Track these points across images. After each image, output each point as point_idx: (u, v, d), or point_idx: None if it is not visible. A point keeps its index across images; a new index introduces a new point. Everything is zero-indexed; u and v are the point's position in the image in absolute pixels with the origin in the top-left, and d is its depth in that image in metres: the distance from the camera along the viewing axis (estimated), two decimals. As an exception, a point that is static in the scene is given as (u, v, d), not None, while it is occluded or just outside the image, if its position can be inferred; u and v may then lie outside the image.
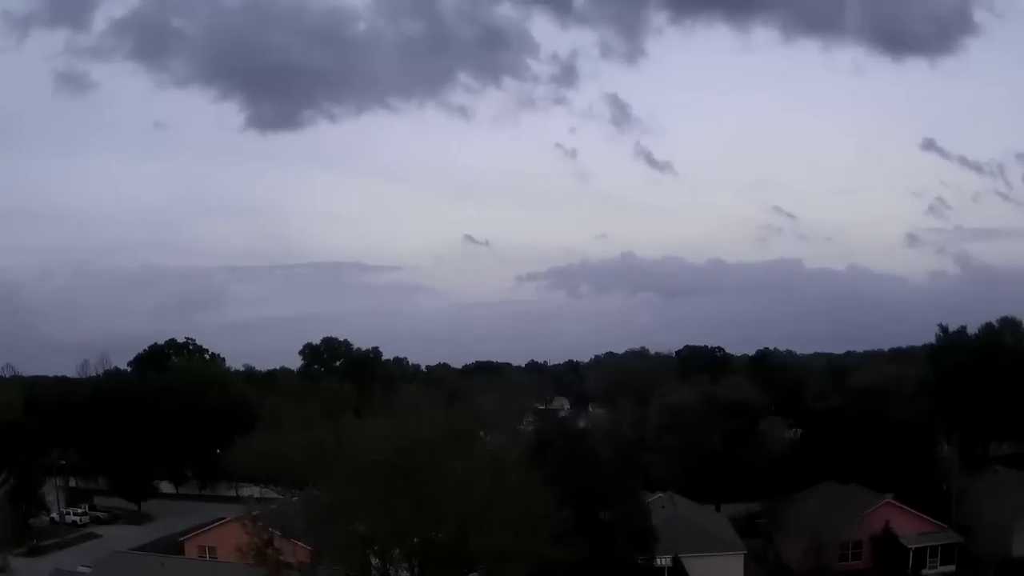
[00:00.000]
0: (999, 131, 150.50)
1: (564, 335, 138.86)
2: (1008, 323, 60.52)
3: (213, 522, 33.98)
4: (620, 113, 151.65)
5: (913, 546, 34.70)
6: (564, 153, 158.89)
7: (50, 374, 70.25)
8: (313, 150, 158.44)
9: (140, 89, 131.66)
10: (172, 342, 65.94)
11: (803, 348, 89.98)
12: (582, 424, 48.85)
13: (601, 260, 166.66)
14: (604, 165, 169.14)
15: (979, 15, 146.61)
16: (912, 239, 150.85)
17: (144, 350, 64.03)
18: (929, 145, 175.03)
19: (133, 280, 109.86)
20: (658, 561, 31.45)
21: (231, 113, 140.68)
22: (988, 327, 59.00)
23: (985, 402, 51.25)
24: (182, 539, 35.10)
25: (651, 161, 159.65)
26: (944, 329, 58.46)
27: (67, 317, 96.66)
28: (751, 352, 78.82)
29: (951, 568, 34.85)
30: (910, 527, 35.47)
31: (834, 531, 34.49)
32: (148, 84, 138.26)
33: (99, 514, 46.59)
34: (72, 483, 51.80)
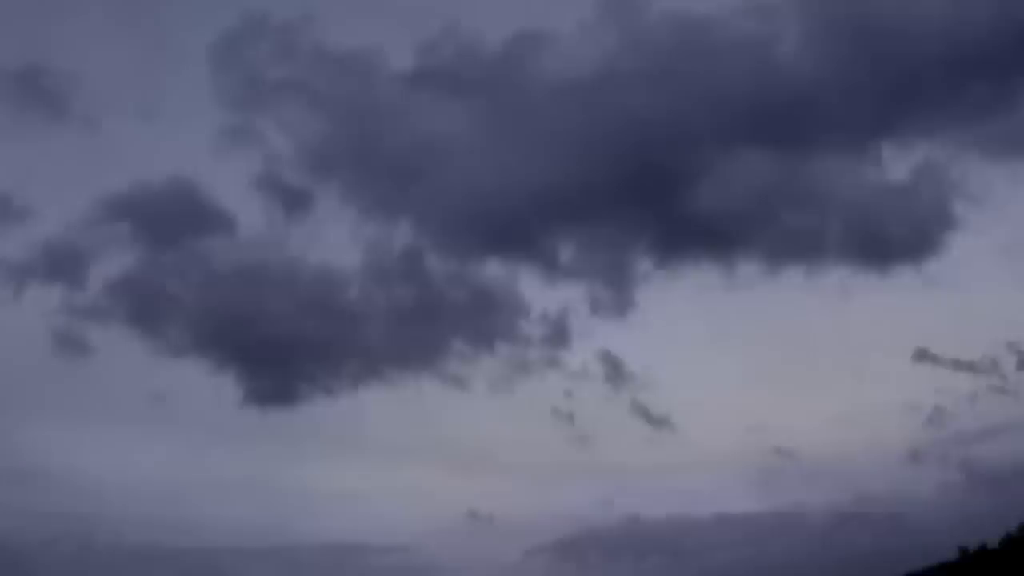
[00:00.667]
0: (988, 324, 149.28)
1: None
2: None
3: None
4: (614, 370, 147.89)
5: None
6: (562, 418, 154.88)
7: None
8: (312, 425, 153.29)
9: (137, 356, 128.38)
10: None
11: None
12: None
13: (607, 527, 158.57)
14: (602, 426, 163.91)
15: (958, 207, 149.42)
16: (914, 454, 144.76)
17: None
18: (922, 355, 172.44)
19: (140, 558, 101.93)
20: None
21: (228, 386, 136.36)
22: (1007, 539, 54.68)
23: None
24: None
25: (649, 417, 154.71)
26: (964, 550, 54.06)
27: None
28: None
29: None
30: None
31: None
32: (145, 351, 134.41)
33: None
34: None
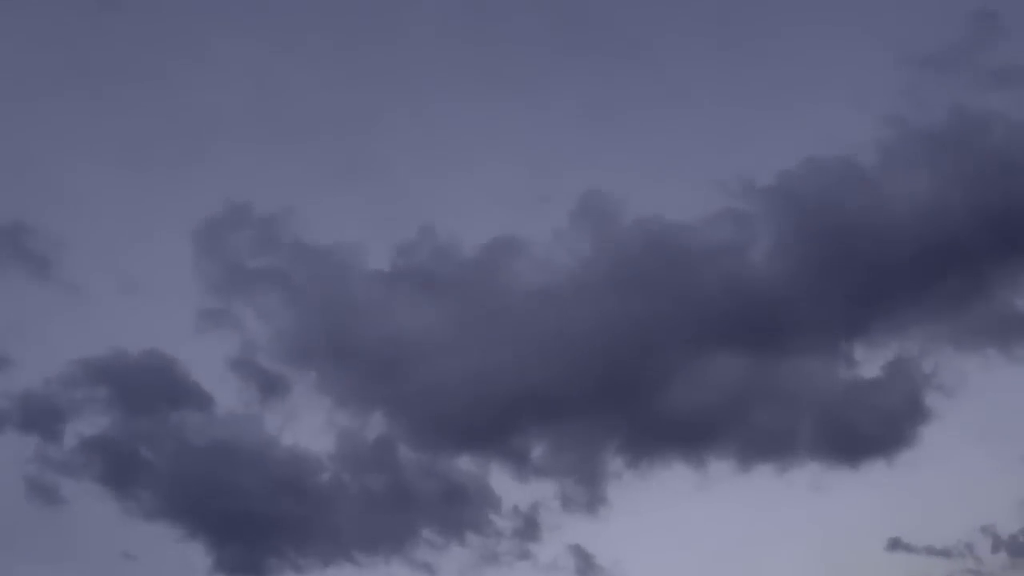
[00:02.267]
0: (962, 509, 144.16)
1: None
2: None
3: None
4: (584, 564, 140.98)
5: None
6: None
7: None
8: None
9: (109, 515, 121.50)
10: None
11: None
12: None
13: None
14: None
15: (930, 399, 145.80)
16: None
17: None
18: (895, 544, 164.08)
19: None
20: None
21: (199, 553, 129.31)
22: None
23: None
24: None
25: None
26: None
27: None
28: None
29: None
30: None
31: None
32: (116, 511, 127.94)
33: None
34: None
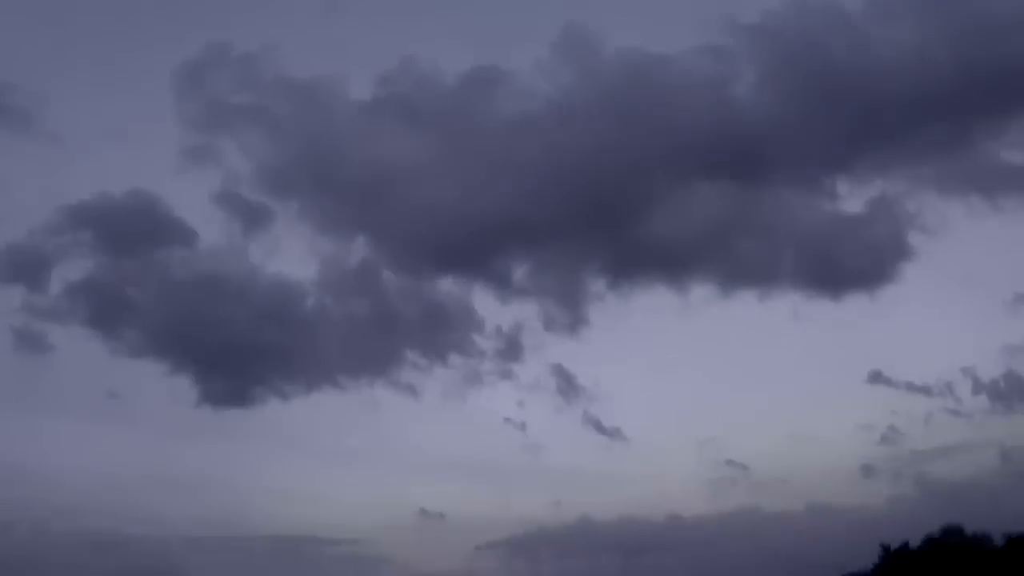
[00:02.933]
0: (944, 349, 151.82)
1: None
2: (951, 531, 58.42)
3: None
4: (566, 383, 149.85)
5: None
6: (514, 427, 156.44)
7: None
8: (266, 426, 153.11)
9: (95, 356, 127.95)
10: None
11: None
12: None
13: (558, 526, 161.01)
14: (554, 435, 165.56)
15: (913, 238, 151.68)
16: (867, 469, 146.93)
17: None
18: (876, 377, 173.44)
19: (95, 544, 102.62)
20: None
21: (184, 388, 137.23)
22: (929, 539, 56.84)
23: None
24: None
25: (600, 428, 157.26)
26: (886, 548, 56.16)
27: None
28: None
29: None
30: None
31: None
32: (103, 352, 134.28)
33: None
34: None
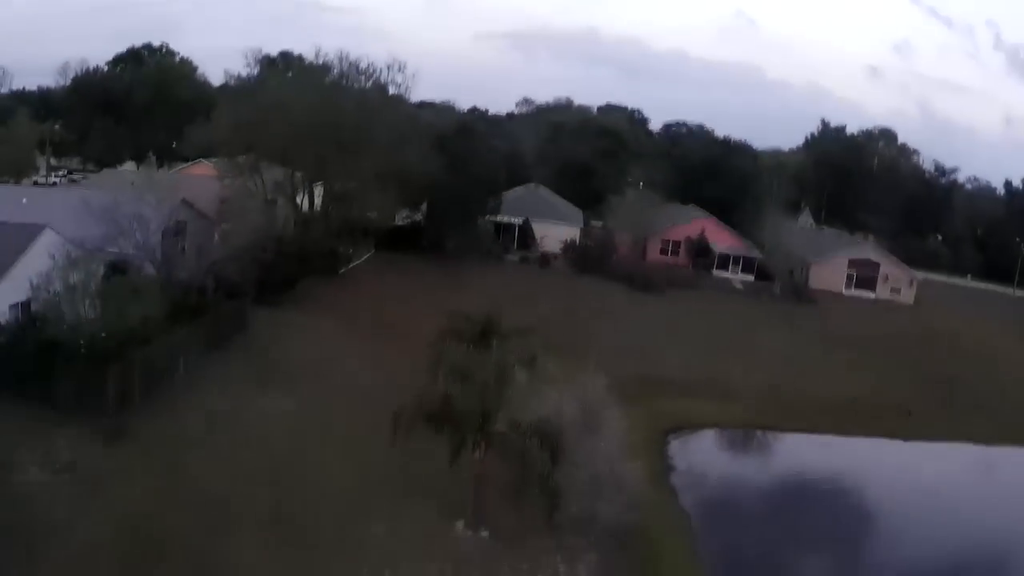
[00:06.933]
0: None
1: (512, 93, 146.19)
2: (885, 134, 67.44)
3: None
4: None
5: (719, 251, 43.06)
6: None
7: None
8: None
9: None
10: (148, 45, 70.60)
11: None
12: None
13: (562, 30, 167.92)
14: None
15: None
16: (874, 71, 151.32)
17: (121, 52, 68.90)
18: None
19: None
20: (511, 220, 40.94)
21: None
22: (865, 132, 66.02)
23: (844, 194, 59.05)
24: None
25: None
26: (825, 124, 65.56)
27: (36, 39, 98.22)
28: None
29: (750, 276, 43.09)
30: (723, 240, 43.67)
31: (659, 228, 43.03)
32: None
33: (74, 178, 53.97)
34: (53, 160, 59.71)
